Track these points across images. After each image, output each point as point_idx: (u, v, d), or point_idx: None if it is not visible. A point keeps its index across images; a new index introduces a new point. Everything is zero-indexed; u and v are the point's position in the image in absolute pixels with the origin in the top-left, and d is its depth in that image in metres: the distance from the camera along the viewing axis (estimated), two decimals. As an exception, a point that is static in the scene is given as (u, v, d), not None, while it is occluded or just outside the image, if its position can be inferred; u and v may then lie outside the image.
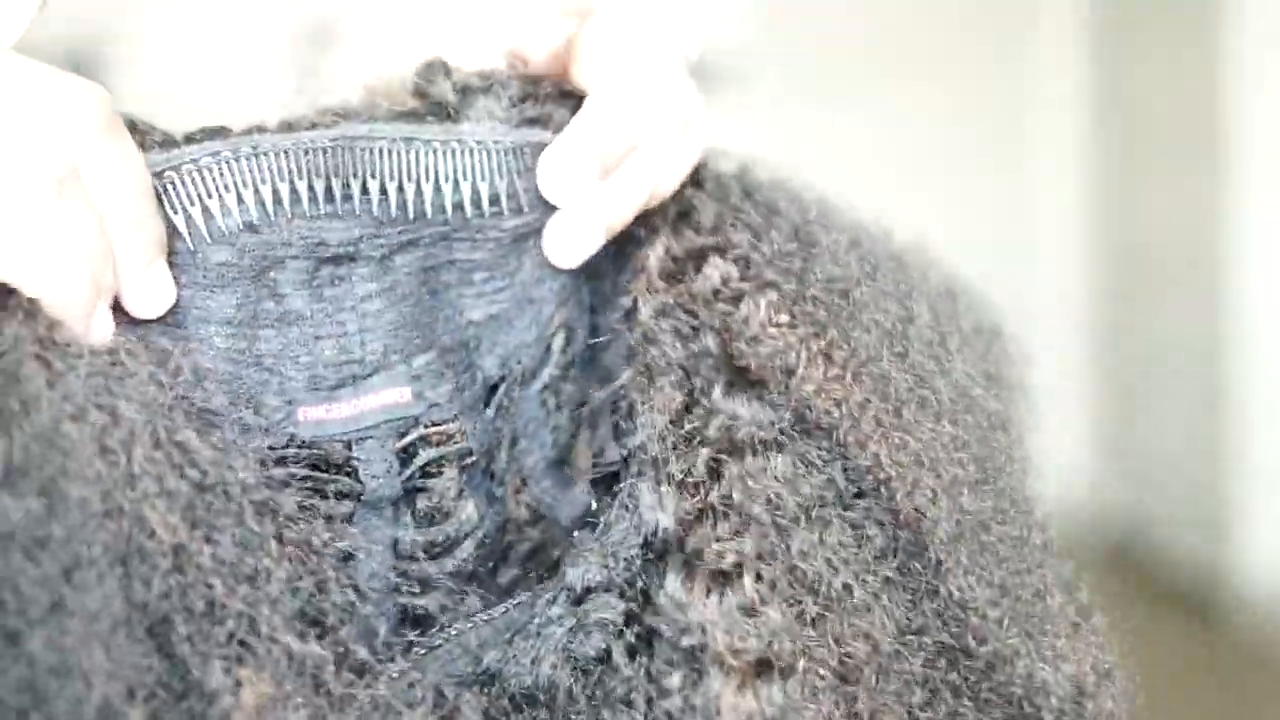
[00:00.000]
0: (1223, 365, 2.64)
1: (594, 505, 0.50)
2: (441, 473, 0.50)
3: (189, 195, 0.46)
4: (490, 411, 0.52)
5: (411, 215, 0.48)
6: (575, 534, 0.50)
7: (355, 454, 0.49)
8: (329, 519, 0.47)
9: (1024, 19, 3.12)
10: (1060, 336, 2.97)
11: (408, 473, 0.49)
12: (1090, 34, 3.09)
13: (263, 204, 0.46)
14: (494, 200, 0.50)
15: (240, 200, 0.46)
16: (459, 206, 0.49)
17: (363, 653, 0.45)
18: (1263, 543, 2.54)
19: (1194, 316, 2.75)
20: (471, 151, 0.49)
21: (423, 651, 0.47)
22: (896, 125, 2.87)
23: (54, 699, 0.38)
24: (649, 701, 0.47)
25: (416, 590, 0.49)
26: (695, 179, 0.53)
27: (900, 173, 2.57)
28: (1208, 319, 2.69)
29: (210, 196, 0.46)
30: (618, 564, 0.48)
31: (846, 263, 0.52)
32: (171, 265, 0.45)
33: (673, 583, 0.48)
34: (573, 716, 0.47)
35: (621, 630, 0.48)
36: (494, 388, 0.52)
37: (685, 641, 0.47)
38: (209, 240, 0.46)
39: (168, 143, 0.46)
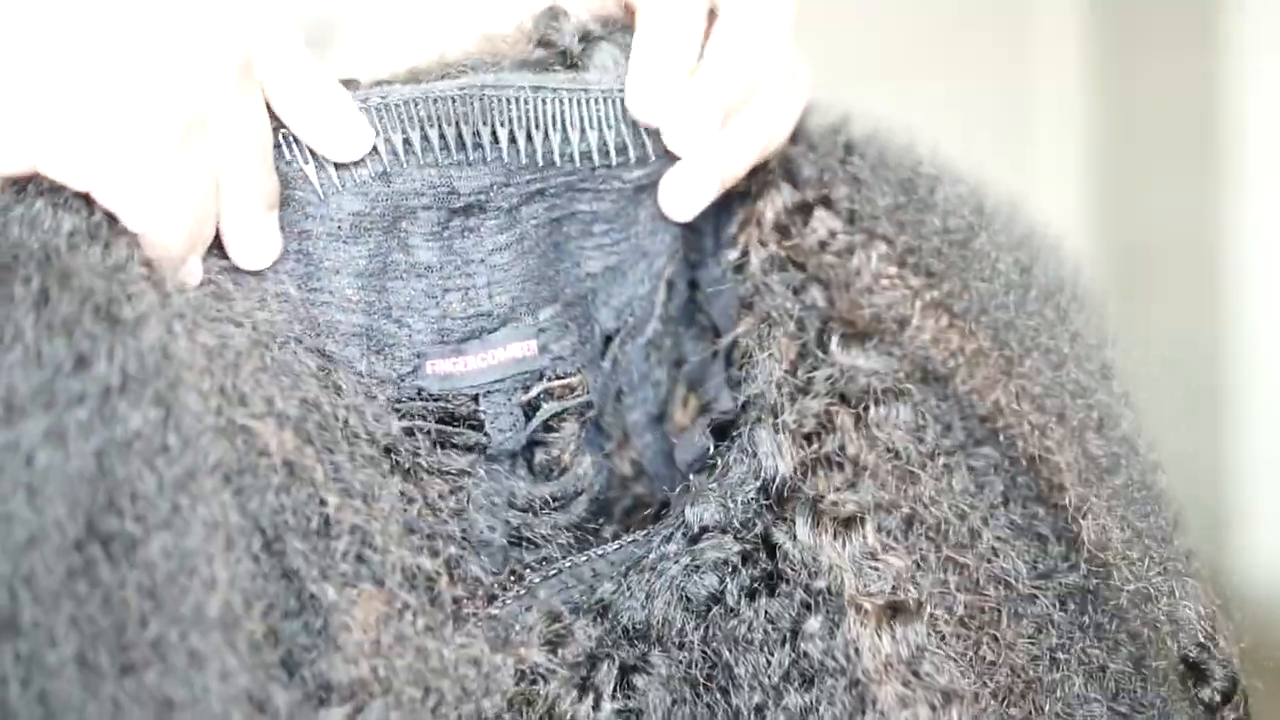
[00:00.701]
0: (1223, 365, 2.64)
1: (710, 450, 0.50)
2: (561, 427, 0.50)
3: None
4: (607, 364, 0.52)
5: (540, 163, 0.48)
6: (692, 477, 0.50)
7: (481, 407, 0.49)
8: (447, 472, 0.48)
9: (1024, 19, 3.12)
10: (1060, 336, 2.97)
11: (531, 426, 0.49)
12: (1090, 34, 3.09)
13: (394, 152, 0.46)
14: (620, 149, 0.49)
15: (373, 150, 0.46)
16: (586, 155, 0.49)
17: (477, 570, 0.46)
18: (1263, 543, 2.53)
19: (1194, 316, 2.75)
20: (598, 100, 0.49)
21: (538, 579, 0.48)
22: (895, 125, 2.86)
23: (173, 604, 0.38)
24: (779, 643, 0.47)
25: (526, 544, 0.50)
26: (795, 134, 0.54)
27: (900, 173, 2.56)
28: (1208, 319, 2.69)
29: None
30: (735, 506, 0.48)
31: (961, 213, 0.53)
32: (305, 217, 0.46)
33: (802, 528, 0.48)
34: (682, 653, 0.47)
35: (737, 569, 0.48)
36: (608, 340, 0.52)
37: (818, 584, 0.47)
38: (341, 189, 0.46)
39: None
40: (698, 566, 0.48)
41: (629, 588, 0.48)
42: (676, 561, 0.48)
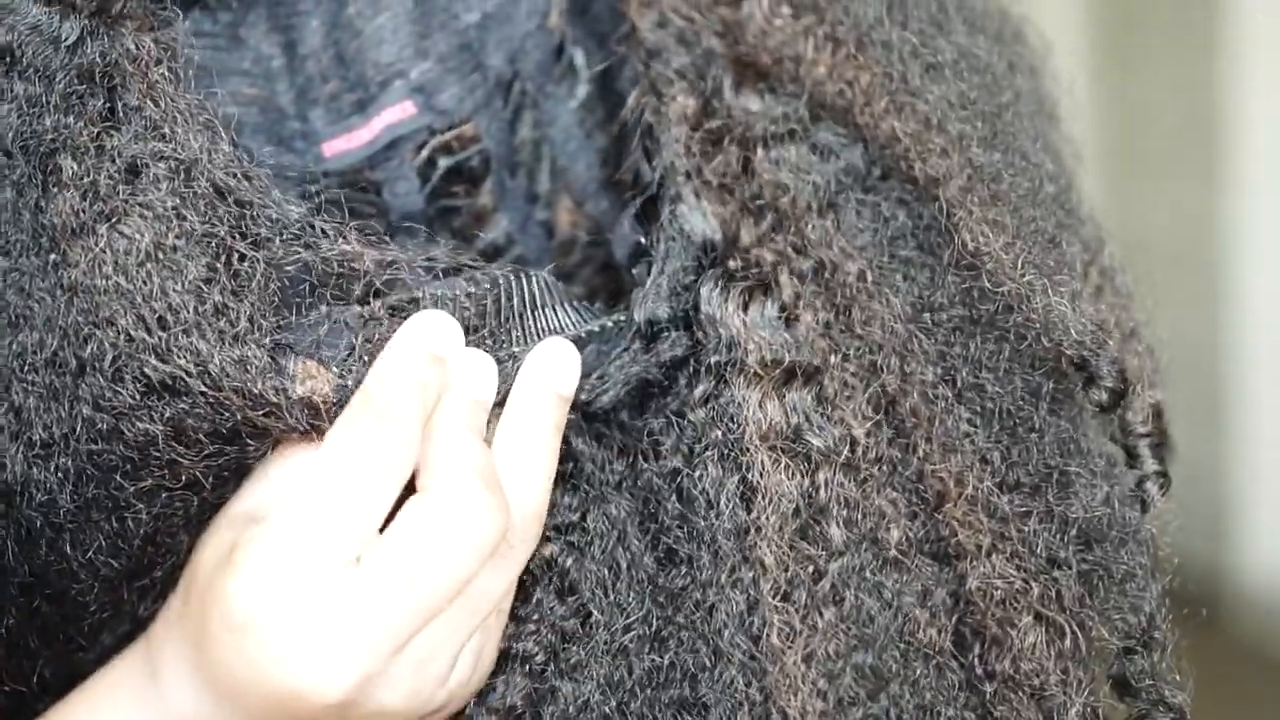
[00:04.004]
0: (1223, 365, 2.63)
1: (642, 240, 0.50)
2: (472, 194, 0.50)
3: None
4: (508, 110, 0.51)
5: None
6: (634, 271, 0.50)
7: (376, 175, 0.49)
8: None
9: (1023, 19, 3.11)
10: (1060, 336, 2.97)
11: (431, 184, 0.49)
12: (1090, 34, 3.08)
13: None
14: None
15: None
16: None
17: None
18: (1263, 543, 2.53)
19: (1194, 316, 2.75)
20: None
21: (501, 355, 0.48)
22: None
23: None
24: (680, 416, 0.48)
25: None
26: None
27: (900, 172, 2.56)
28: (1208, 319, 2.69)
29: None
30: (680, 294, 0.48)
31: None
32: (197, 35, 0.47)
33: (708, 296, 0.48)
34: (633, 433, 0.48)
35: (687, 358, 0.48)
36: (509, 87, 0.51)
37: (712, 358, 0.47)
38: None
39: None
40: (658, 364, 0.48)
41: (588, 383, 0.48)
42: (635, 363, 0.48)
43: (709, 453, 0.47)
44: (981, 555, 0.46)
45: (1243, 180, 2.57)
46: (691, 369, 0.48)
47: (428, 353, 0.43)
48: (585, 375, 0.47)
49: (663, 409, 0.48)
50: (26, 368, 0.43)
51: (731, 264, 0.48)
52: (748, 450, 0.46)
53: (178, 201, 0.44)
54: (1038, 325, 0.48)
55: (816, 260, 0.48)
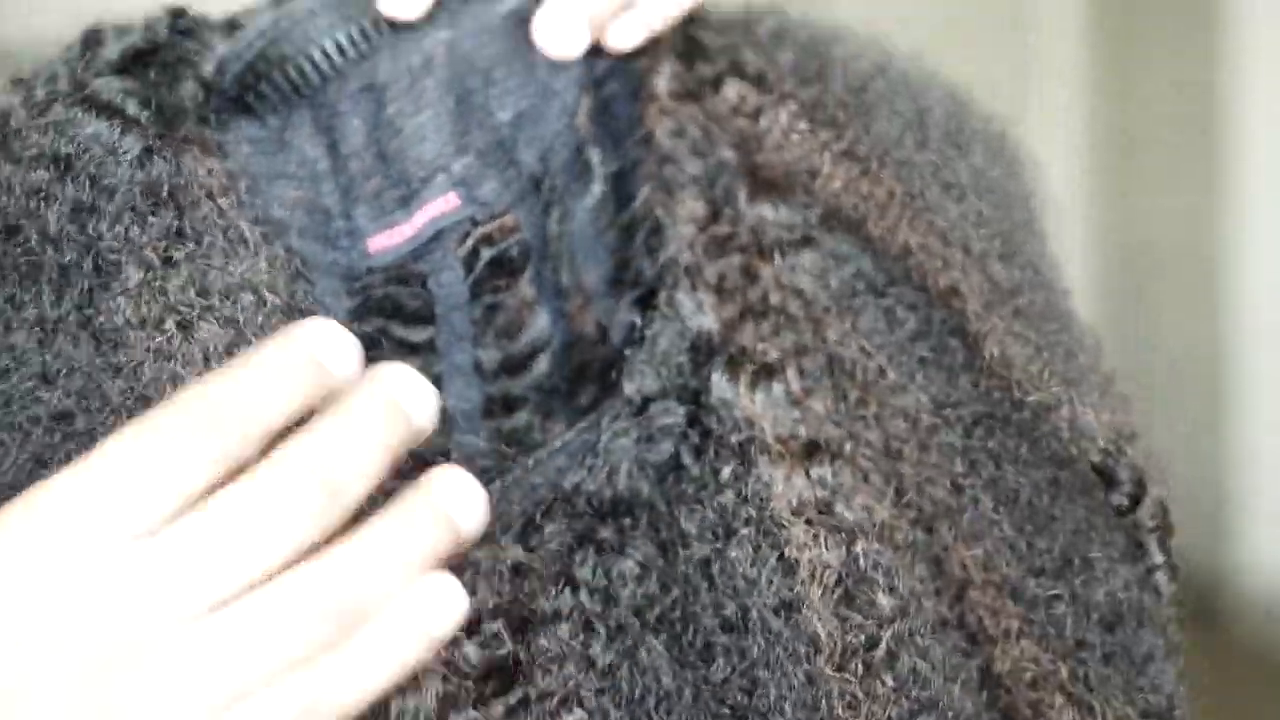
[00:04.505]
0: (1223, 365, 2.64)
1: (638, 322, 0.51)
2: (514, 286, 0.51)
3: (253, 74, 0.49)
4: (540, 205, 0.53)
5: (417, 23, 0.50)
6: (627, 351, 0.51)
7: (421, 267, 0.50)
8: (411, 348, 0.50)
9: (1024, 19, 3.12)
10: (1060, 336, 2.97)
11: (475, 274, 0.51)
12: (1090, 34, 3.09)
13: (328, 56, 0.49)
14: None
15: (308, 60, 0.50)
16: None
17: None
18: (1263, 543, 2.54)
19: (1194, 316, 2.75)
20: None
21: (509, 479, 0.49)
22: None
23: None
24: (711, 498, 0.48)
25: (504, 410, 0.51)
26: (699, 18, 0.55)
27: (900, 173, 2.56)
28: (1208, 319, 2.69)
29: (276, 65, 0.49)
30: (670, 371, 0.49)
31: (859, 65, 0.54)
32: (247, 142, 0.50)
33: (718, 382, 0.49)
34: (657, 522, 0.48)
35: (685, 433, 0.49)
36: (539, 184, 0.53)
37: (734, 438, 0.48)
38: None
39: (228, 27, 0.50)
40: (650, 435, 0.49)
41: (590, 471, 0.48)
42: (628, 436, 0.49)
43: (745, 531, 0.47)
44: (1011, 639, 0.48)
45: (1243, 180, 2.58)
46: (707, 450, 0.48)
47: (309, 353, 0.37)
48: (580, 461, 0.48)
49: (682, 497, 0.48)
50: (30, 421, 0.45)
51: (732, 350, 0.49)
52: (782, 526, 0.47)
53: (244, 317, 0.46)
54: (1064, 433, 0.49)
55: (830, 357, 0.49)
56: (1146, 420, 0.55)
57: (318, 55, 0.49)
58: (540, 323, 0.52)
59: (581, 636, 0.46)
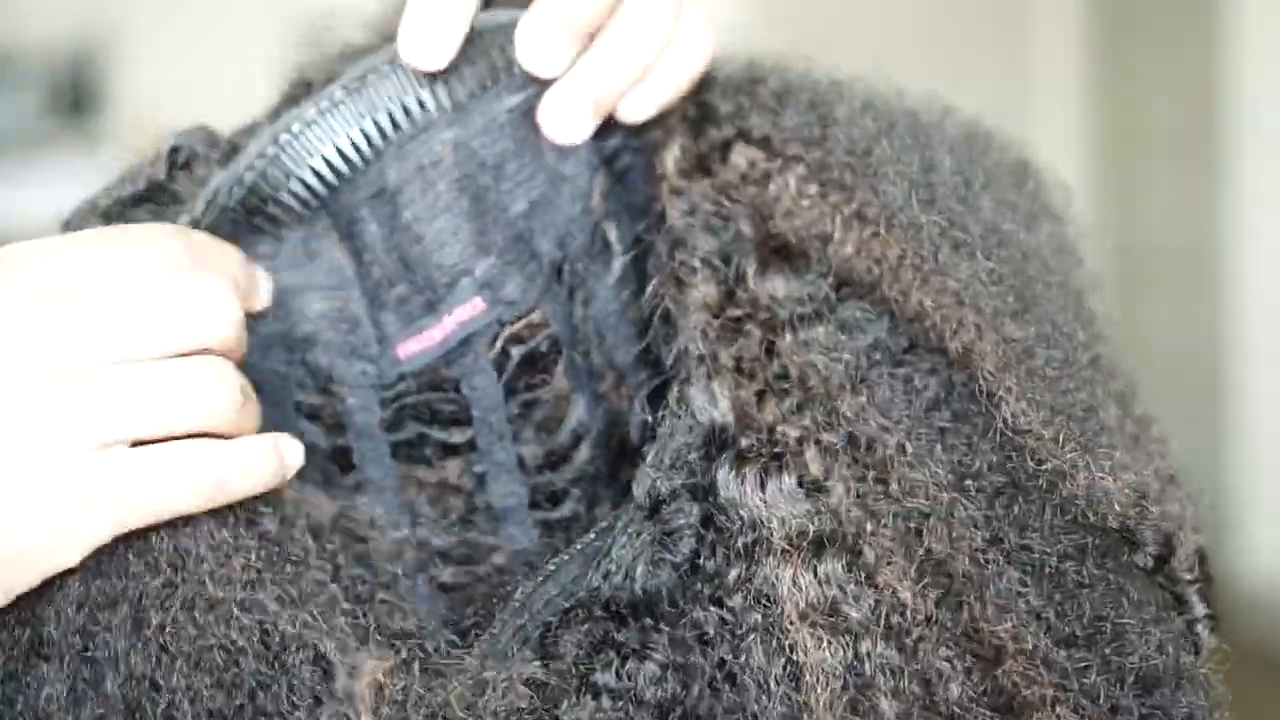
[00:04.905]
0: (1223, 365, 2.64)
1: (650, 420, 0.51)
2: (549, 381, 0.51)
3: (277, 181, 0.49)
4: (564, 292, 0.52)
5: (421, 125, 0.50)
6: (642, 450, 0.50)
7: (453, 373, 0.50)
8: (452, 449, 0.50)
9: (1024, 19, 3.12)
10: (1060, 336, 2.97)
11: (508, 375, 0.51)
12: (1090, 34, 3.09)
13: (330, 166, 0.49)
14: (493, 76, 0.50)
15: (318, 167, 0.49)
16: (460, 97, 0.50)
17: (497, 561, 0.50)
18: (1263, 543, 2.54)
19: (1194, 316, 2.75)
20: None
21: (529, 589, 0.49)
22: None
23: None
24: (724, 598, 0.47)
25: (550, 502, 0.51)
26: (706, 82, 0.54)
27: (900, 173, 2.57)
28: (1208, 319, 2.69)
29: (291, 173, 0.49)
30: (682, 471, 0.48)
31: (863, 124, 0.53)
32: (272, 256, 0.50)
33: (725, 479, 0.48)
34: (677, 621, 0.48)
35: (701, 532, 0.48)
36: (560, 271, 0.53)
37: (741, 541, 0.47)
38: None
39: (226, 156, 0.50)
40: (667, 536, 0.48)
41: (607, 575, 0.48)
42: (642, 538, 0.48)
43: (752, 636, 0.47)
44: (1047, 708, 0.47)
45: (1243, 179, 2.58)
46: (718, 551, 0.48)
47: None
48: (595, 566, 0.48)
49: (698, 597, 0.48)
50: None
51: (744, 442, 0.48)
52: (789, 630, 0.47)
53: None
54: (1082, 500, 0.49)
55: (849, 435, 0.48)
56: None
57: (321, 165, 0.49)
58: (578, 412, 0.52)
59: None
